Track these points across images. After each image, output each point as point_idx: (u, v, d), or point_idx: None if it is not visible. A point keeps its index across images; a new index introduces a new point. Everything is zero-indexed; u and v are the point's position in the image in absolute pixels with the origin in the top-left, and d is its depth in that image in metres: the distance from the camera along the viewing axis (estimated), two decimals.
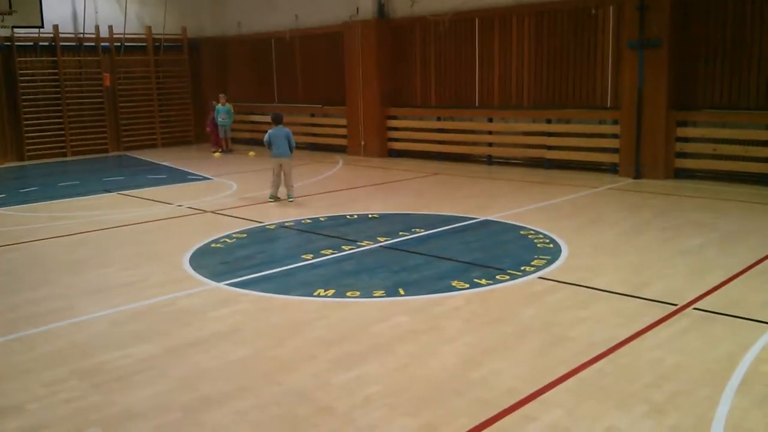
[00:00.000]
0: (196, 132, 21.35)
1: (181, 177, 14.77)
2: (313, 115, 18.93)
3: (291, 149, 11.46)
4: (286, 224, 9.71)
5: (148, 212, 10.88)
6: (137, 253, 8.44)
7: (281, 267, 7.51)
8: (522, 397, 4.37)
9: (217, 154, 18.48)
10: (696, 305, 5.93)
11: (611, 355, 4.97)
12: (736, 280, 6.61)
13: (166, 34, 20.49)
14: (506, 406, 4.26)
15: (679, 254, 7.64)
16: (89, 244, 9.03)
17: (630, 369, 4.74)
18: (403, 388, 4.59)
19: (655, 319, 5.61)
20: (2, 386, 4.81)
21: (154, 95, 20.54)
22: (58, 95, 18.77)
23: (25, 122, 18.27)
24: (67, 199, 12.29)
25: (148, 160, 17.94)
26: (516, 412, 4.20)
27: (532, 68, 14.54)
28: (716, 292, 6.27)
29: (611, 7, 13.19)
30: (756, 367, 4.68)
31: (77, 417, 4.32)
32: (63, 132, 18.88)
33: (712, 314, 5.73)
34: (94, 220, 10.43)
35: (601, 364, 4.83)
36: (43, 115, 18.58)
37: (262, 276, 7.21)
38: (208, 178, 14.40)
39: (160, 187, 13.38)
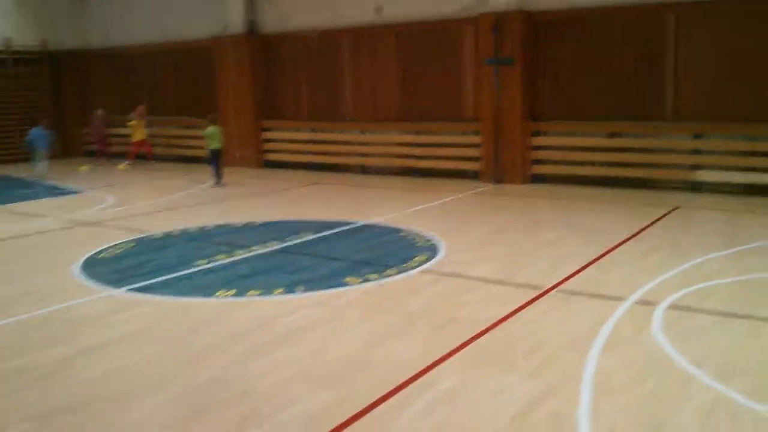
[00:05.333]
0: (57, 146, 20.58)
1: (50, 191, 14.39)
2: (186, 127, 18.89)
3: None
4: (173, 234, 9.88)
5: (22, 227, 10.64)
6: (21, 266, 8.36)
7: (177, 273, 7.74)
8: (420, 369, 4.96)
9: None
10: (559, 288, 6.82)
11: (491, 332, 5.69)
12: (590, 267, 7.58)
13: (25, 46, 19.72)
14: (407, 377, 4.83)
15: (540, 247, 8.59)
16: None
17: (509, 341, 5.48)
18: (315, 368, 5.07)
19: (526, 300, 6.42)
20: None
21: (12, 110, 19.68)
22: None
23: None
24: None
25: (10, 175, 17.24)
26: (416, 381, 4.78)
27: (399, 83, 15.40)
28: (575, 277, 7.20)
29: (468, 27, 14.28)
30: (614, 334, 5.54)
31: (2, 416, 4.46)
32: None
33: (573, 294, 6.62)
34: None
35: (484, 339, 5.53)
36: None
37: (159, 281, 7.42)
38: (80, 192, 14.14)
39: (29, 202, 13.02)
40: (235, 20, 17.14)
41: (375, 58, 15.65)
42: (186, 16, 18.47)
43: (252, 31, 17.17)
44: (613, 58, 12.94)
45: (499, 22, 13.34)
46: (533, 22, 13.48)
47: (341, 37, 16.04)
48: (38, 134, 17.05)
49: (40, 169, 16.80)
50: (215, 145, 14.60)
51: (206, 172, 15.53)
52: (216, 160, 14.67)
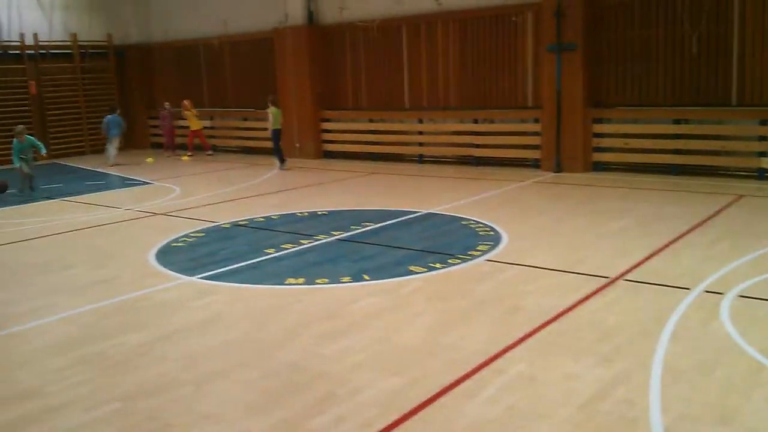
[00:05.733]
0: (123, 138, 21.29)
1: (119, 182, 14.93)
2: (245, 119, 19.29)
3: None
4: (240, 223, 10.18)
5: (97, 216, 11.10)
6: (100, 253, 8.75)
7: (247, 261, 8.01)
8: (489, 355, 5.08)
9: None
10: (625, 277, 6.82)
11: (560, 320, 5.75)
12: (656, 257, 7.54)
13: (91, 41, 20.42)
14: (478, 363, 4.95)
15: (604, 236, 8.57)
16: (46, 248, 9.25)
17: (577, 329, 5.54)
18: (385, 354, 5.23)
19: (592, 290, 6.46)
20: (13, 374, 5.17)
21: (81, 102, 20.45)
22: None
23: None
24: (8, 207, 12.29)
25: (80, 167, 17.92)
26: (487, 367, 4.90)
27: (458, 71, 15.42)
28: (641, 266, 7.18)
29: (529, 14, 14.21)
30: (682, 323, 5.55)
31: (95, 395, 4.75)
32: None
33: (640, 284, 6.62)
34: (43, 225, 10.58)
35: (552, 327, 5.61)
36: None
37: (231, 269, 7.69)
38: (149, 183, 14.62)
39: (102, 193, 13.54)
40: (294, 11, 17.37)
41: (434, 46, 15.68)
42: (246, 8, 18.80)
43: (311, 21, 17.39)
44: (677, 42, 12.71)
45: (560, 7, 13.24)
46: (595, 6, 13.34)
47: (400, 25, 16.12)
48: (113, 120, 17.88)
49: (110, 153, 17.72)
50: (277, 125, 15.68)
51: (266, 163, 15.89)
52: (277, 141, 15.72)
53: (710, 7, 12.29)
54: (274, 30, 17.81)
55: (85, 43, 20.32)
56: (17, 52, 19.01)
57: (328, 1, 17.27)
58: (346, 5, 16.89)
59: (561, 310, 5.95)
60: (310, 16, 17.37)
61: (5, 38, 18.76)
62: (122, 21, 21.37)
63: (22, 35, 19.00)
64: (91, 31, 20.40)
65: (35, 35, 19.25)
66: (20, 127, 13.81)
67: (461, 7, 15.09)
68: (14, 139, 13.56)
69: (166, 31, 21.11)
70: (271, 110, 15.69)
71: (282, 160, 15.91)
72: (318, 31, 17.42)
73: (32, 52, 19.31)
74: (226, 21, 19.28)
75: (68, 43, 20.05)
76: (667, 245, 7.96)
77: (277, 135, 15.82)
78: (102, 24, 20.78)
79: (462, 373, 4.80)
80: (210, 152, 18.97)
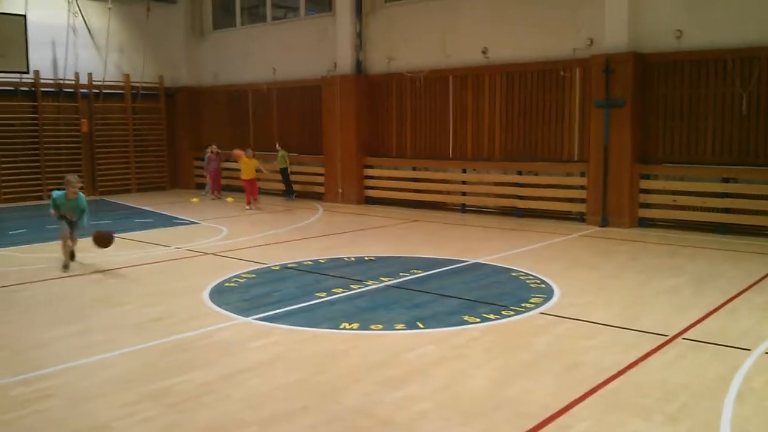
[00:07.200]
0: (170, 178, 21.81)
1: (167, 221, 15.20)
2: (290, 164, 19.57)
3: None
4: (289, 266, 10.28)
5: (148, 254, 11.29)
6: (155, 291, 8.89)
7: (300, 304, 8.08)
8: (554, 410, 5.05)
9: (195, 200, 18.97)
10: (684, 336, 6.76)
11: (622, 377, 5.71)
12: (713, 316, 7.47)
13: (143, 83, 21.04)
14: (543, 417, 4.93)
15: (658, 293, 8.51)
16: (102, 284, 9.42)
17: (640, 387, 5.49)
18: (449, 404, 5.22)
19: (652, 347, 6.41)
20: (80, 408, 5.24)
21: (130, 142, 20.99)
22: (36, 140, 19.07)
23: (1, 165, 18.45)
24: (53, 242, 12.48)
25: (128, 204, 18.29)
26: (553, 422, 4.87)
27: (503, 123, 15.57)
28: (699, 325, 7.12)
29: (578, 69, 14.36)
30: (747, 384, 5.48)
31: None
32: (39, 176, 19.12)
33: (700, 343, 6.55)
34: (96, 261, 10.77)
35: (615, 384, 5.56)
36: (20, 158, 18.86)
37: (285, 311, 7.76)
38: (196, 223, 14.86)
39: (151, 231, 13.78)
40: (343, 60, 17.78)
41: (480, 97, 15.88)
42: (296, 56, 19.29)
43: (360, 70, 17.75)
44: (726, 101, 12.74)
45: (609, 63, 13.37)
46: (645, 63, 13.44)
47: (447, 77, 16.38)
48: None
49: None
50: (284, 164, 18.57)
51: (309, 207, 16.02)
52: (286, 176, 18.66)
53: (761, 67, 12.32)
54: (322, 78, 18.21)
55: (137, 84, 20.94)
56: (71, 90, 19.65)
57: (377, 52, 17.65)
58: (395, 56, 17.24)
59: (622, 367, 5.91)
60: (359, 66, 17.76)
61: (61, 77, 19.39)
62: (174, 63, 22.04)
63: (77, 74, 19.66)
64: (144, 73, 21.02)
65: (89, 75, 19.92)
66: (74, 177, 10.41)
67: (509, 61, 15.31)
68: (58, 191, 10.42)
69: (216, 74, 21.68)
70: (281, 152, 18.56)
71: (290, 192, 18.73)
72: (366, 80, 17.77)
73: (86, 91, 19.97)
74: (275, 68, 19.76)
75: (121, 84, 20.69)
76: (723, 305, 7.88)
77: (285, 172, 18.65)
78: (154, 66, 21.44)
79: (529, 427, 4.78)
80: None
